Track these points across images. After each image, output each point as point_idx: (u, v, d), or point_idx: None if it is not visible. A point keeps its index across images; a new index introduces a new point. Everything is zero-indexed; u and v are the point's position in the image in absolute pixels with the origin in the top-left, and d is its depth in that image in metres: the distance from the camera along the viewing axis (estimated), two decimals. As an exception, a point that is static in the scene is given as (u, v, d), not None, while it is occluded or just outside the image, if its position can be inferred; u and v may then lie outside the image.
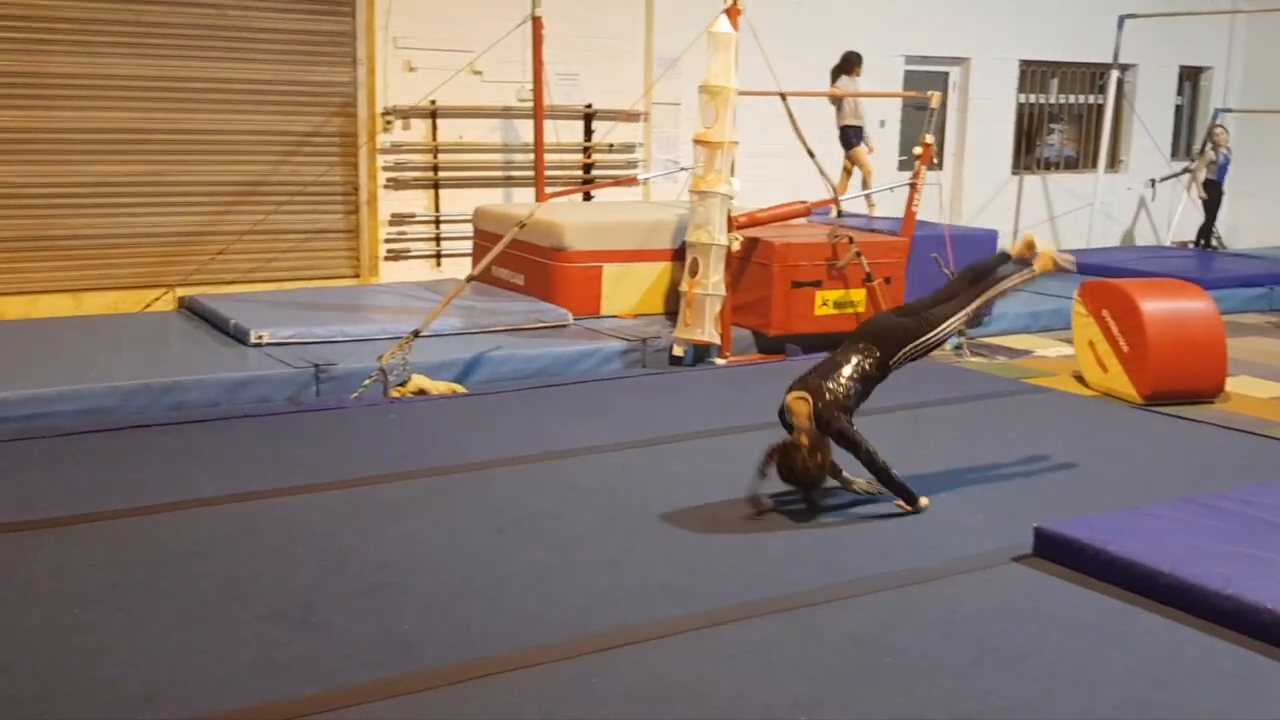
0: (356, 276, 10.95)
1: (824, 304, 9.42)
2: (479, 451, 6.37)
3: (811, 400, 5.34)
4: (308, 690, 3.77)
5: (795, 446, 5.30)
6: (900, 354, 5.56)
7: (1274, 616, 4.21)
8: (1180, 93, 16.42)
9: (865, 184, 11.72)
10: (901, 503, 5.55)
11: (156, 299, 9.91)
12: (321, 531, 5.17)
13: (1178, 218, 15.30)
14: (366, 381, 7.49)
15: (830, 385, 5.39)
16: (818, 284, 9.39)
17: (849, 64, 11.74)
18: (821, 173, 10.64)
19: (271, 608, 4.37)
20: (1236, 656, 4.15)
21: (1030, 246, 5.93)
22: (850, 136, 11.77)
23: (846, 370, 5.45)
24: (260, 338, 8.14)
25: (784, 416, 5.45)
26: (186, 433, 6.63)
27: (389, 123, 10.90)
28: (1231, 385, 8.24)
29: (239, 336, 8.31)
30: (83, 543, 4.99)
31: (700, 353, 8.98)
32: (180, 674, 3.87)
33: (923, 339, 5.60)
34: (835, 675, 3.98)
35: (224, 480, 5.80)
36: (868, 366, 5.50)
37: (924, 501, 5.54)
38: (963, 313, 5.74)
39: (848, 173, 11.96)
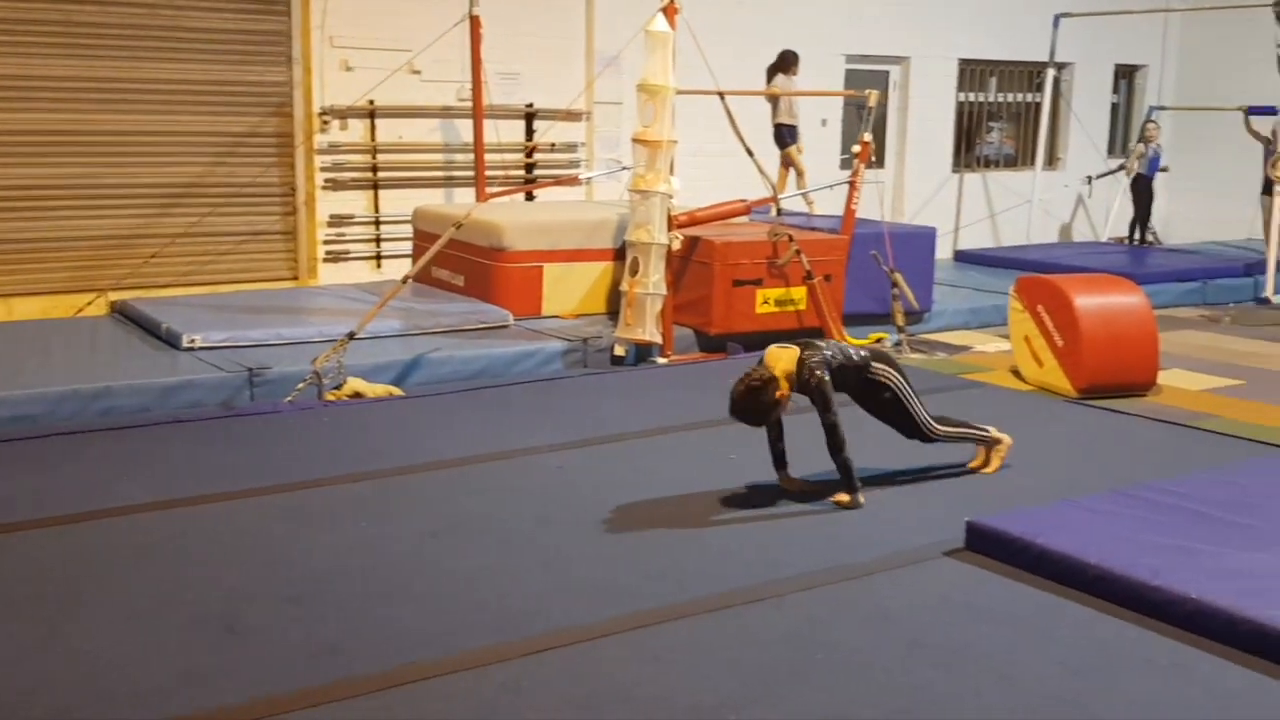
0: (294, 279, 10.84)
1: (765, 302, 9.43)
2: (414, 454, 6.32)
3: (800, 351, 5.55)
4: (232, 700, 3.72)
5: (759, 371, 5.45)
6: (887, 368, 5.80)
7: (1199, 606, 4.26)
8: (1116, 90, 16.59)
9: (799, 183, 11.75)
10: (839, 497, 5.57)
11: (89, 304, 9.76)
12: (251, 538, 5.11)
13: (1114, 214, 15.46)
14: (300, 385, 7.41)
15: (820, 344, 5.70)
16: (758, 282, 9.40)
17: (785, 62, 11.76)
18: (761, 171, 10.66)
19: (197, 616, 4.31)
20: (1163, 647, 4.19)
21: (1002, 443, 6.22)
22: (785, 135, 11.79)
23: (840, 344, 5.81)
24: (193, 341, 8.04)
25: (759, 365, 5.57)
26: (116, 439, 6.53)
27: (326, 123, 10.80)
28: (1164, 378, 8.33)
29: (171, 341, 8.20)
30: (5, 552, 4.90)
31: (642, 352, 8.97)
32: (100, 686, 3.81)
33: (907, 382, 5.86)
34: (766, 673, 3.98)
35: (153, 487, 5.71)
36: (853, 353, 5.73)
37: (860, 498, 5.57)
38: (941, 417, 5.99)
39: (787, 168, 11.98)
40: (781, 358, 5.53)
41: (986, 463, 6.17)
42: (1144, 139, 14.62)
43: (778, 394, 5.42)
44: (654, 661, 4.03)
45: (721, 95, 10.00)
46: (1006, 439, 6.18)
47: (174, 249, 10.20)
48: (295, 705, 3.69)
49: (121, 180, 10.07)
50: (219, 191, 10.37)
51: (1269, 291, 12.29)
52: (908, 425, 5.91)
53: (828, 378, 5.49)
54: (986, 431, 6.16)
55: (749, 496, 5.72)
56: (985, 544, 4.99)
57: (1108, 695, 3.87)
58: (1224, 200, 15.28)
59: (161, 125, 10.15)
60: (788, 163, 11.96)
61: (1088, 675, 4.00)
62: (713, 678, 3.93)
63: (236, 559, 4.87)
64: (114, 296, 9.82)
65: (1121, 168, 15.10)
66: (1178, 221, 16.22)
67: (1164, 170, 14.95)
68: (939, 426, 5.95)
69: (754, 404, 5.41)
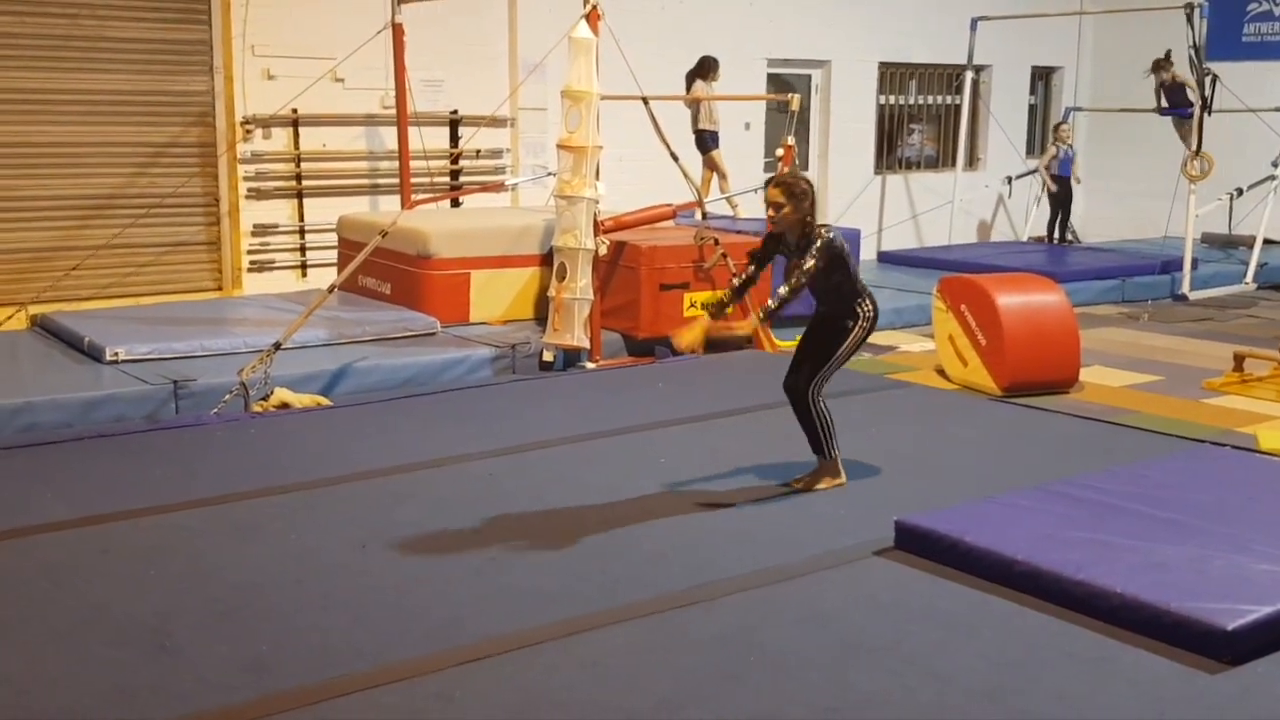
0: (219, 289, 10.73)
1: (692, 305, 9.47)
2: (343, 465, 6.27)
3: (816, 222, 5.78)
4: (160, 717, 3.67)
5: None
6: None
7: (1122, 600, 4.34)
8: (1033, 92, 16.86)
9: (723, 186, 11.83)
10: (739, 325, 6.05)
11: (9, 318, 9.58)
12: (178, 553, 5.05)
13: (1034, 213, 15.70)
14: (227, 396, 7.34)
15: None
16: (685, 286, 9.44)
17: (704, 69, 11.84)
18: (685, 176, 10.67)
19: (124, 633, 4.26)
20: (1087, 640, 4.26)
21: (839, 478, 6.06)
22: (707, 141, 11.86)
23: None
24: (116, 355, 7.93)
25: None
26: (38, 455, 6.42)
27: (249, 132, 10.70)
28: (1085, 375, 8.48)
29: (94, 354, 8.09)
30: (-75, 573, 4.81)
31: (570, 357, 8.98)
32: (24, 705, 3.75)
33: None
34: (700, 676, 4.00)
35: (77, 503, 5.63)
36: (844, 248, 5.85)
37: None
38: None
39: (710, 172, 12.05)
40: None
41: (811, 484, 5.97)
42: (1055, 141, 14.87)
43: (806, 201, 5.66)
44: (588, 667, 4.04)
45: (645, 100, 10.03)
46: (843, 479, 5.99)
47: (96, 261, 10.06)
48: (226, 721, 3.67)
49: (42, 192, 9.93)
50: (141, 202, 10.24)
51: (1185, 288, 12.56)
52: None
53: (825, 250, 5.63)
54: (837, 451, 5.99)
55: (679, 500, 5.74)
56: (914, 542, 5.06)
57: (1034, 689, 3.94)
58: (1140, 199, 15.56)
59: (82, 136, 10.02)
60: (711, 167, 12.03)
61: (1014, 670, 4.07)
62: (646, 682, 3.95)
63: (164, 574, 4.81)
64: (35, 310, 9.66)
65: (1036, 171, 15.31)
66: (1095, 220, 16.50)
67: (1077, 181, 15.17)
68: (822, 387, 5.94)
69: (798, 185, 5.66)
